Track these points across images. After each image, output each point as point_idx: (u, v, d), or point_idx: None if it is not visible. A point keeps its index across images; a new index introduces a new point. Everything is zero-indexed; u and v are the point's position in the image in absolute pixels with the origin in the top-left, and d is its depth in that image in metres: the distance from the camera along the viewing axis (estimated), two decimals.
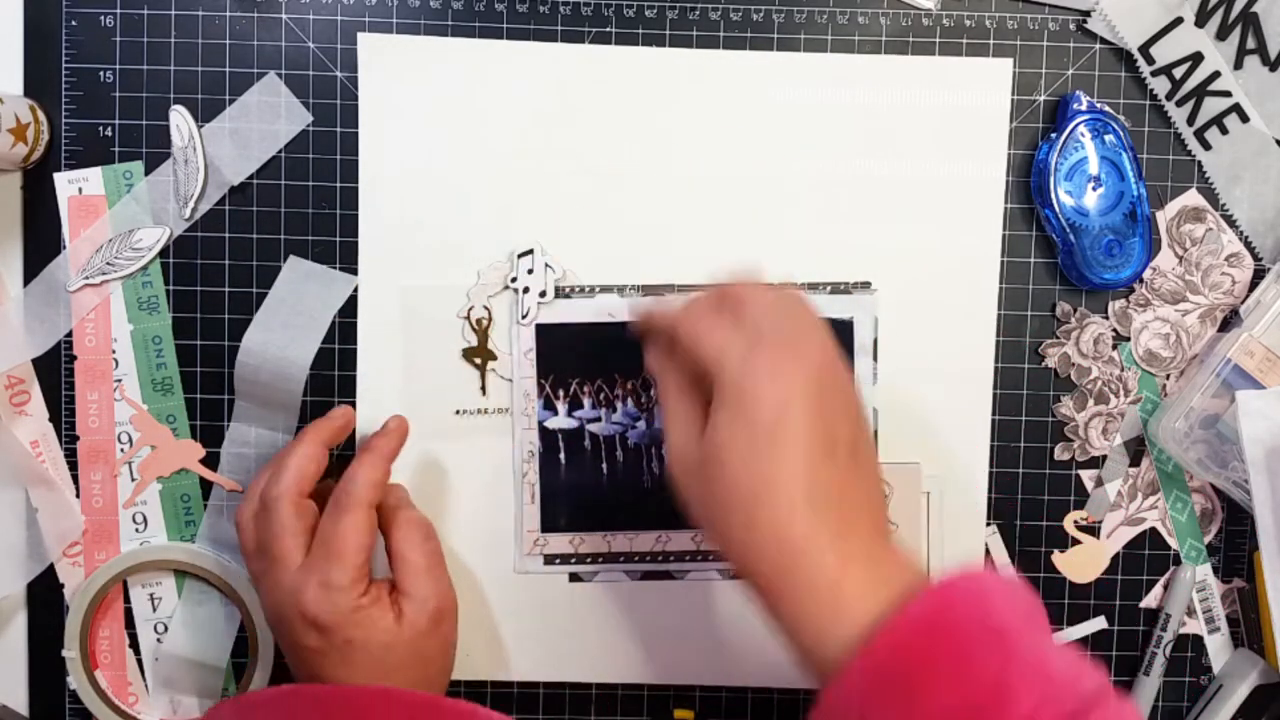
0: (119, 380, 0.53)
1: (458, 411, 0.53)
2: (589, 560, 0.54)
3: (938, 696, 0.33)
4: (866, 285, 0.54)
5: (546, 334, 0.52)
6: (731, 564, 0.39)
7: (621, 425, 0.53)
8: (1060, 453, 0.55)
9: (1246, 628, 0.56)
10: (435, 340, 0.53)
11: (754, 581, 0.38)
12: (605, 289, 0.53)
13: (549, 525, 0.53)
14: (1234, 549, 0.56)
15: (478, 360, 0.53)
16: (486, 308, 0.53)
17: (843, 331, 0.53)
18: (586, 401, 0.53)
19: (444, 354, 0.53)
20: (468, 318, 0.53)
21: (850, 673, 0.34)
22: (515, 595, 0.54)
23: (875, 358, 0.54)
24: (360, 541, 0.45)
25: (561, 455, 0.53)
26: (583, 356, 0.53)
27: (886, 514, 0.42)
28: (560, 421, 0.53)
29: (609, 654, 0.54)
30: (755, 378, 0.38)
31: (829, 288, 0.54)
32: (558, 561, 0.54)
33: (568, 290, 0.53)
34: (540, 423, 0.53)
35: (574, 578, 0.54)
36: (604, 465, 0.53)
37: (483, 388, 0.53)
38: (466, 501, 0.54)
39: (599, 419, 0.53)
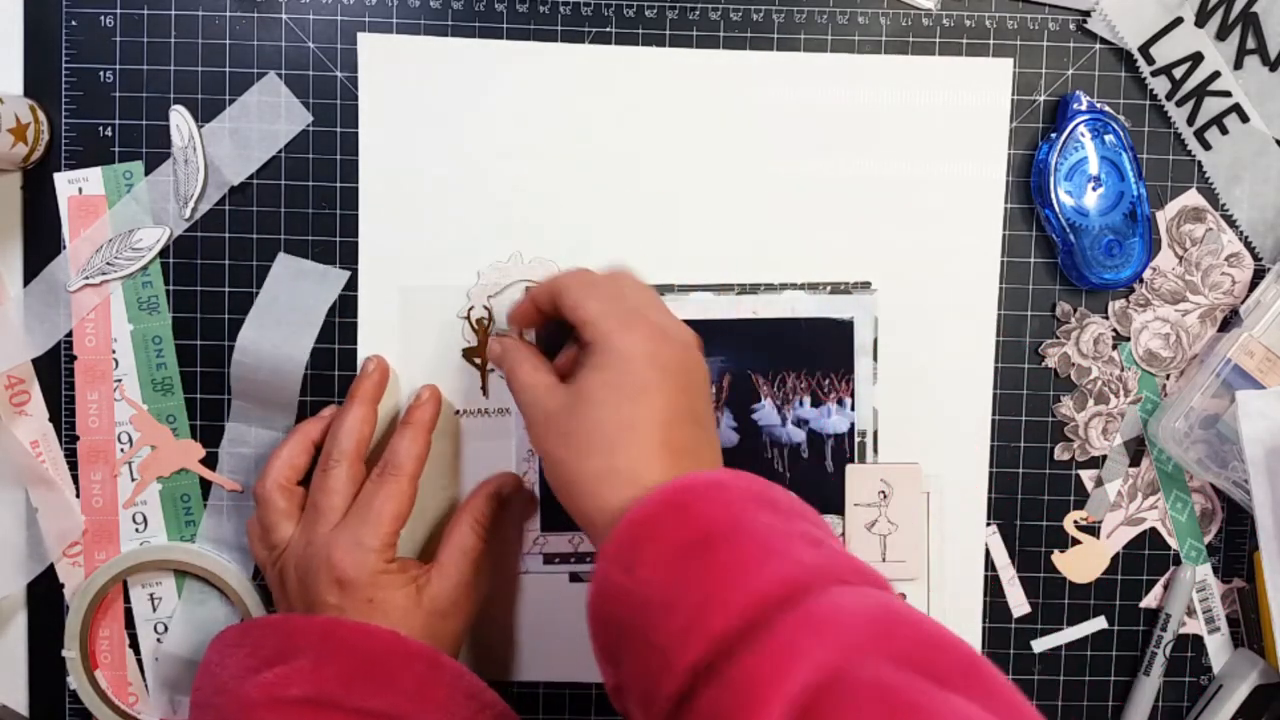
0: (119, 380, 0.53)
1: (458, 411, 0.53)
2: (589, 559, 0.53)
3: (701, 521, 0.38)
4: (866, 285, 0.54)
5: (547, 331, 0.52)
6: (574, 507, 0.42)
7: None
8: (1060, 453, 0.55)
9: (1246, 628, 0.56)
10: (436, 340, 0.53)
11: (597, 519, 0.40)
12: None
13: (549, 525, 0.53)
14: (1234, 549, 0.56)
15: (478, 360, 0.53)
16: (487, 308, 0.53)
17: (843, 331, 0.53)
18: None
19: (445, 354, 0.53)
20: (468, 318, 0.53)
21: (633, 510, 0.38)
22: (516, 595, 0.54)
23: (875, 358, 0.54)
24: (395, 509, 0.47)
25: None
26: None
27: None
28: None
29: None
30: (631, 342, 0.42)
31: (829, 288, 0.54)
32: (557, 560, 0.54)
33: None
34: None
35: (574, 578, 0.54)
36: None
37: (484, 388, 0.53)
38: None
39: None
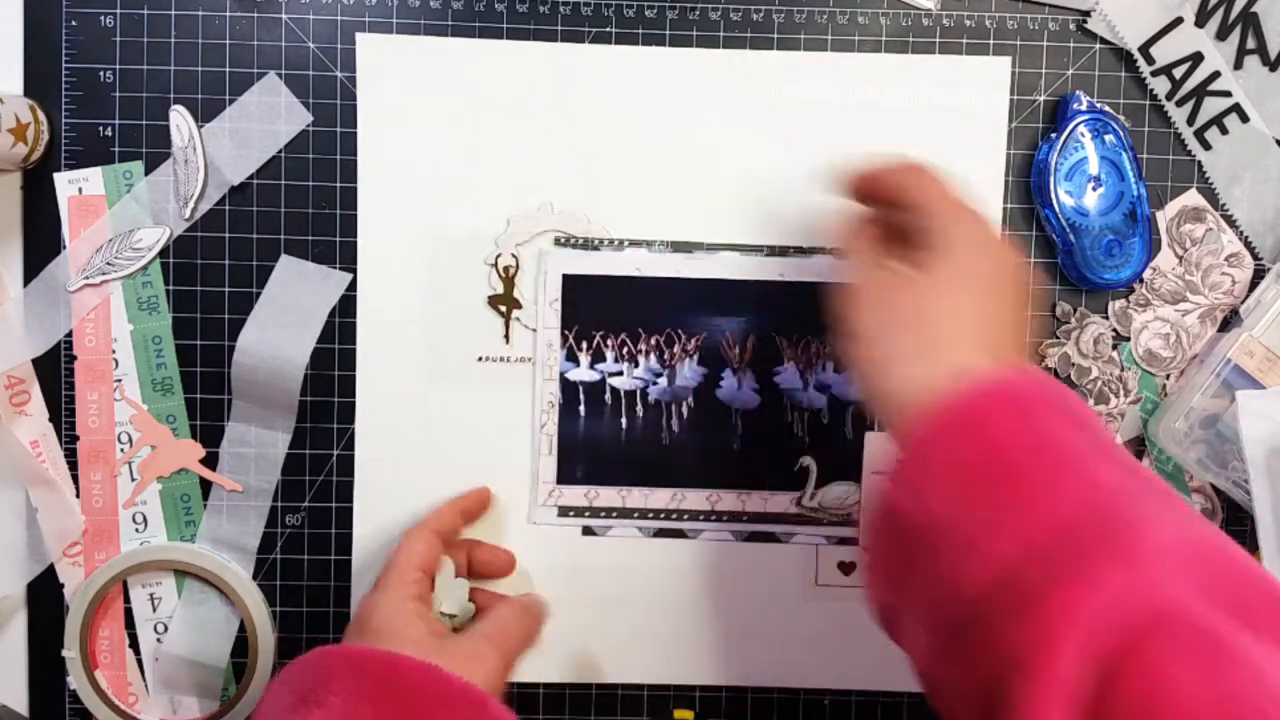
0: (119, 380, 0.53)
1: (480, 358, 0.53)
2: (603, 514, 0.53)
3: (959, 453, 0.36)
4: None
5: (572, 284, 0.52)
6: (878, 386, 0.41)
7: (643, 380, 0.53)
8: None
9: None
10: (461, 285, 0.53)
11: (902, 396, 0.39)
12: (635, 243, 0.53)
13: (565, 478, 0.53)
14: None
15: (503, 308, 0.53)
16: (515, 255, 0.53)
17: None
18: (609, 354, 0.53)
19: (470, 299, 0.53)
20: (495, 265, 0.53)
21: (935, 410, 0.37)
22: (528, 552, 0.54)
23: None
24: (410, 556, 0.48)
25: (581, 408, 0.53)
26: (608, 309, 0.53)
27: None
28: (582, 373, 0.53)
29: (609, 654, 0.54)
30: (972, 234, 0.42)
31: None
32: (571, 514, 0.54)
33: (596, 243, 0.53)
34: (562, 374, 0.53)
35: (587, 531, 0.54)
36: (623, 420, 0.53)
37: (506, 335, 0.53)
38: (483, 449, 0.53)
39: (621, 373, 0.53)
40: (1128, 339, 0.55)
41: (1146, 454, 0.55)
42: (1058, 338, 0.55)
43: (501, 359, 0.53)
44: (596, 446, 0.53)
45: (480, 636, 0.47)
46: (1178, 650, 0.29)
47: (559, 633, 0.54)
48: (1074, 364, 0.55)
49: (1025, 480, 0.34)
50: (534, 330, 0.53)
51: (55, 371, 0.53)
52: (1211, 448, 0.53)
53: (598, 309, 0.53)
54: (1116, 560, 0.31)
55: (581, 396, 0.53)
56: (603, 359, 0.53)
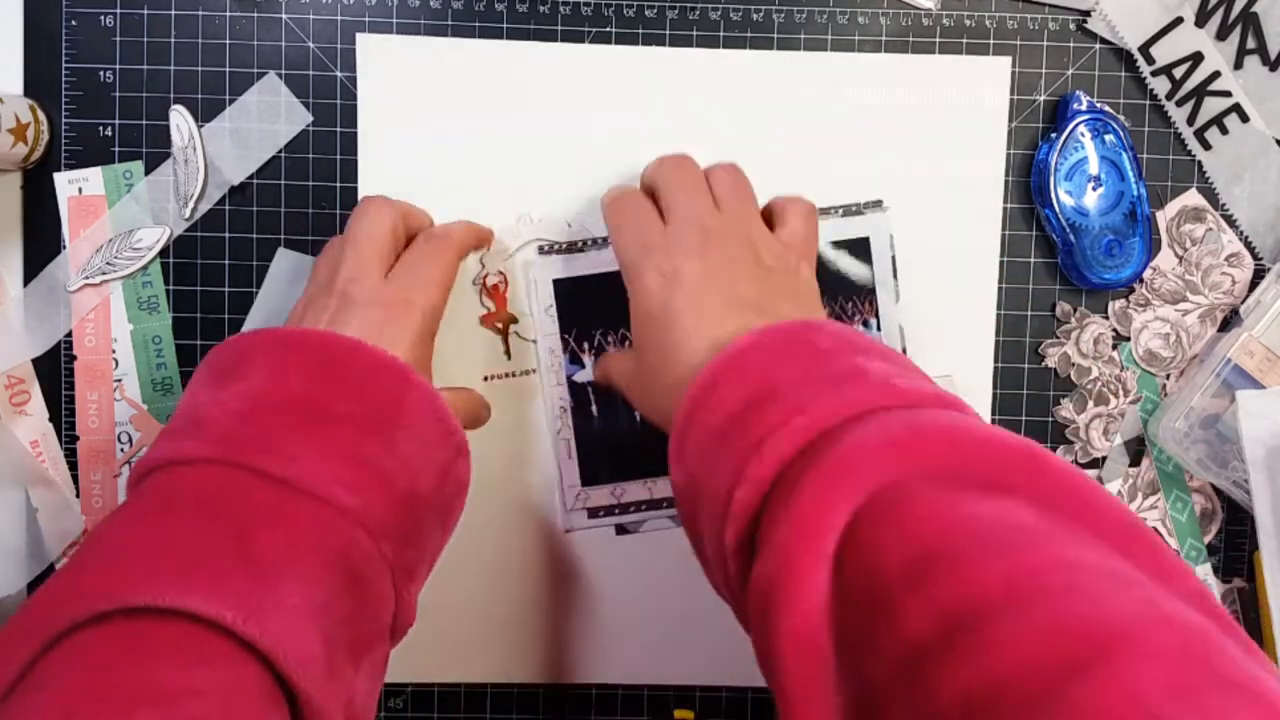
0: (119, 380, 0.53)
1: (486, 378, 0.53)
2: (632, 509, 0.53)
3: (728, 404, 0.38)
4: (878, 204, 0.54)
5: (564, 287, 0.51)
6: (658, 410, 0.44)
7: None
8: (1062, 455, 0.55)
9: (1246, 628, 0.56)
10: (454, 311, 0.52)
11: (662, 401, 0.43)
12: None
13: (589, 479, 0.53)
14: (1234, 549, 0.56)
15: (499, 324, 0.53)
16: (501, 271, 0.53)
17: (860, 249, 0.53)
18: (612, 350, 0.52)
19: (464, 323, 0.53)
20: (483, 284, 0.53)
21: (677, 407, 0.40)
22: (565, 562, 0.54)
23: (895, 276, 0.52)
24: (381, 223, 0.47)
25: (594, 408, 0.53)
26: (603, 306, 0.52)
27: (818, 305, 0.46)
28: (588, 374, 0.53)
29: (609, 654, 0.54)
30: (643, 275, 0.44)
31: (840, 211, 0.53)
32: (602, 514, 0.53)
33: (581, 244, 0.53)
34: (568, 377, 0.53)
35: (620, 529, 0.54)
36: (636, 413, 0.52)
37: (506, 351, 0.53)
38: (504, 468, 0.53)
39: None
40: (1128, 339, 0.55)
41: (1146, 454, 0.55)
42: (1058, 338, 0.55)
43: (507, 375, 0.53)
44: (615, 442, 0.53)
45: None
46: (898, 526, 0.30)
47: (560, 633, 0.54)
48: (1074, 364, 0.55)
49: (750, 427, 0.36)
50: (533, 341, 0.53)
51: (55, 371, 0.53)
52: (1211, 448, 0.53)
53: (593, 307, 0.53)
54: (836, 474, 0.33)
55: (592, 397, 0.53)
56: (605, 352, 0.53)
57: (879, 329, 0.53)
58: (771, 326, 0.40)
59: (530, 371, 0.53)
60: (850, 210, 0.53)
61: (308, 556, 0.37)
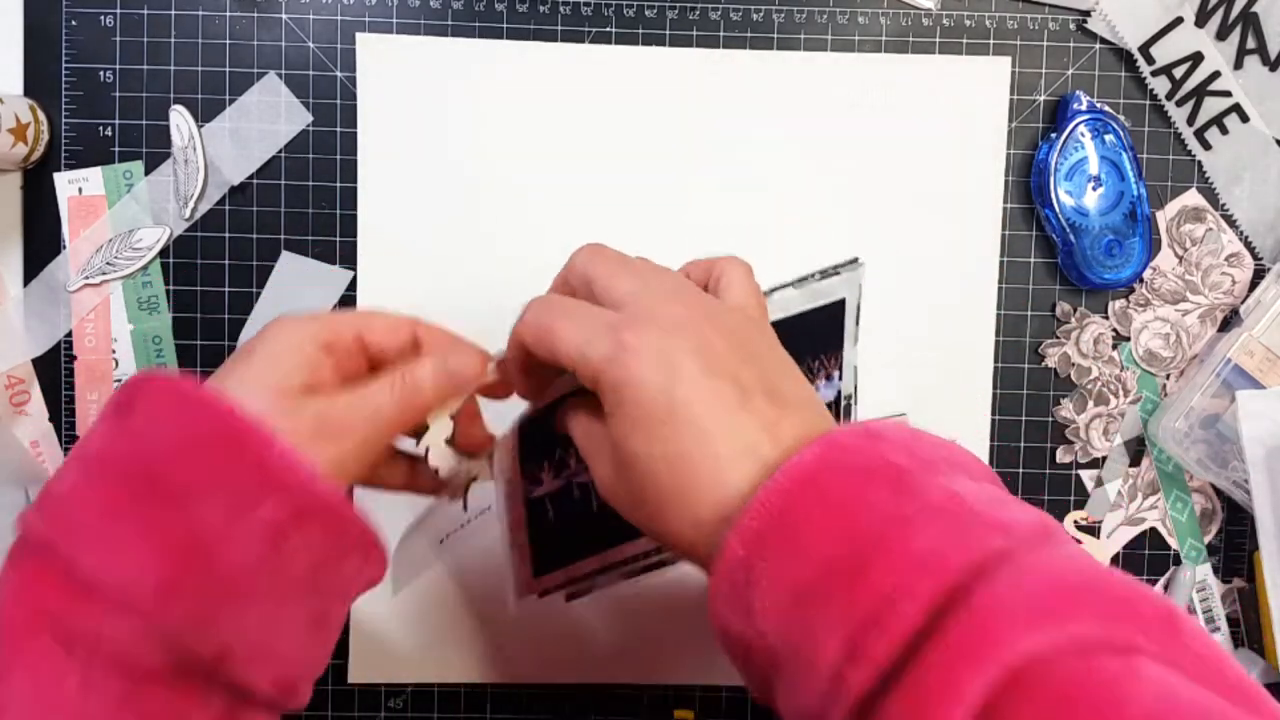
0: (119, 380, 0.53)
1: (443, 541, 0.48)
2: (584, 579, 0.46)
3: (819, 548, 0.30)
4: (854, 263, 0.50)
5: (527, 430, 0.42)
6: (678, 546, 0.35)
7: None
8: (1062, 455, 0.55)
9: (1246, 628, 0.56)
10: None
11: (699, 542, 0.34)
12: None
13: (542, 570, 0.46)
14: (1234, 549, 0.56)
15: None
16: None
17: (833, 311, 0.49)
18: (573, 462, 0.44)
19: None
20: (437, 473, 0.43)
21: (733, 539, 0.31)
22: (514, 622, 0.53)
23: (856, 321, 0.47)
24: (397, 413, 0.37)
25: (550, 513, 0.45)
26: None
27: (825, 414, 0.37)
28: (547, 487, 0.45)
29: (609, 654, 0.54)
30: (627, 365, 0.33)
31: (819, 275, 0.51)
32: (555, 590, 0.46)
33: None
34: (527, 498, 0.44)
35: (572, 596, 0.46)
36: (594, 501, 0.44)
37: (464, 504, 0.45)
38: (459, 579, 0.53)
39: (585, 470, 0.40)
40: (1128, 339, 0.55)
41: (1146, 454, 0.55)
42: (1058, 338, 0.55)
43: (463, 525, 0.48)
44: (570, 533, 0.45)
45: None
46: (1046, 695, 0.27)
47: (560, 633, 0.54)
48: (1074, 364, 0.55)
49: (851, 585, 0.30)
50: (491, 480, 0.44)
51: (55, 371, 0.53)
52: (1211, 448, 0.53)
53: (552, 432, 0.41)
54: (971, 636, 0.28)
55: (549, 504, 0.45)
56: (567, 467, 0.44)
57: (840, 378, 0.49)
58: (831, 438, 0.32)
59: (485, 510, 0.47)
60: (827, 274, 0.47)
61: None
